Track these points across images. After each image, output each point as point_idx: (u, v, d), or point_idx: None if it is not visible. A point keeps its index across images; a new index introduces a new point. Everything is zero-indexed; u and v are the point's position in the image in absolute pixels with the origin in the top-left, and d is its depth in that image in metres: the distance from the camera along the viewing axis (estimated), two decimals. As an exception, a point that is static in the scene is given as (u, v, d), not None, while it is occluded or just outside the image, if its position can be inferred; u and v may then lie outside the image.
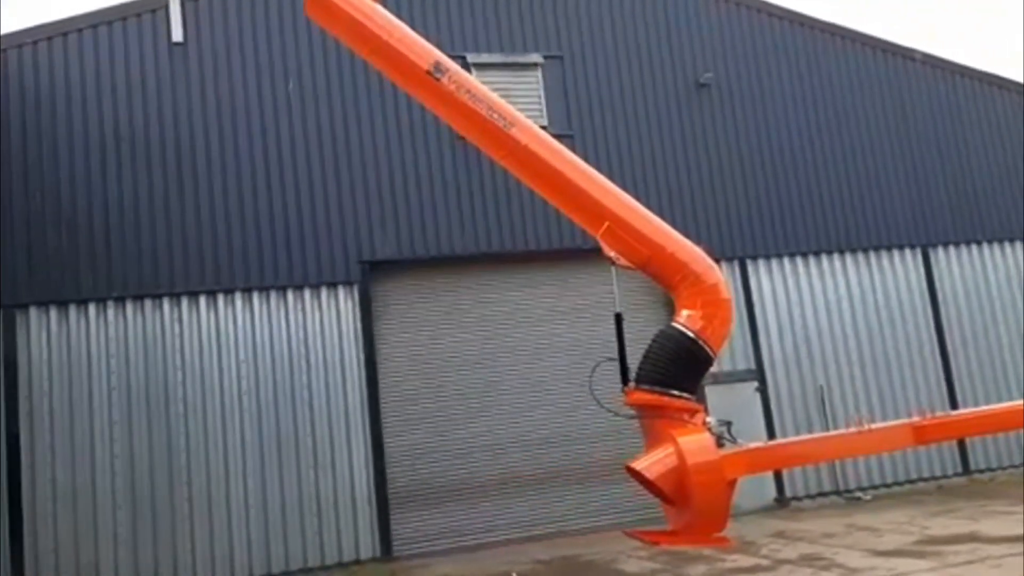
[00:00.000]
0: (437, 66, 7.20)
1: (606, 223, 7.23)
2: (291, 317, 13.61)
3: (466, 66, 14.80)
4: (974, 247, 17.23)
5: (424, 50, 7.31)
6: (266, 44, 14.35)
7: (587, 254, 13.73)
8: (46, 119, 13.19)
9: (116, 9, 13.67)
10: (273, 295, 13.58)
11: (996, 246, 17.37)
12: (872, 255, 16.62)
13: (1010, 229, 17.46)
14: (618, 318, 7.25)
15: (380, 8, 7.48)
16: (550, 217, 14.75)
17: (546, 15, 15.82)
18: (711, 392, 14.22)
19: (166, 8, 13.78)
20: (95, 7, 13.74)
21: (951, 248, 17.09)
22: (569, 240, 14.67)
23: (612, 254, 7.24)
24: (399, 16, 15.30)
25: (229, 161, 13.81)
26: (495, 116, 7.21)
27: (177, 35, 13.74)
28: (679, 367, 7.06)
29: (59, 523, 12.21)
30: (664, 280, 7.44)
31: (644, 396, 6.87)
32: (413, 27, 15.96)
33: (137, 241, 13.19)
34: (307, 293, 13.74)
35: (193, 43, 13.93)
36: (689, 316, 7.22)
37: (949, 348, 16.67)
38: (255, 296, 13.48)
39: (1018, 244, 17.48)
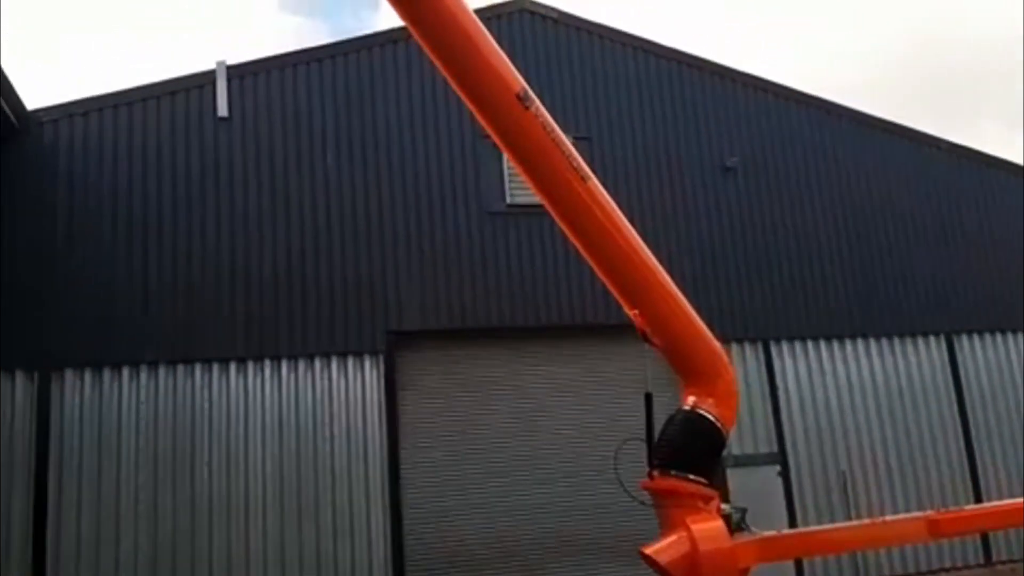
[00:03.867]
0: (525, 93, 6.48)
1: (646, 302, 7.23)
2: (317, 385, 13.82)
3: (497, 145, 15.24)
4: (999, 335, 17.22)
5: (513, 72, 6.50)
6: (307, 119, 14.84)
7: (612, 330, 14.01)
8: (92, 188, 13.68)
9: (164, 84, 14.25)
10: (301, 363, 13.83)
11: (1021, 335, 17.34)
12: (896, 341, 16.65)
13: (1035, 319, 17.47)
14: (648, 398, 7.24)
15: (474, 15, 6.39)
16: (573, 292, 15.02)
17: (576, 97, 16.25)
18: (732, 475, 14.20)
19: (213, 84, 14.37)
20: (145, 81, 14.37)
21: (975, 336, 17.10)
22: (592, 316, 14.90)
23: (648, 331, 7.27)
24: (434, 91, 15.88)
25: (266, 232, 14.20)
26: (575, 164, 6.65)
27: (223, 110, 14.28)
28: (699, 450, 7.14)
29: (81, 578, 12.37)
30: (686, 365, 7.51)
31: (662, 482, 6.95)
32: (447, 111, 16.48)
33: (173, 308, 13.54)
34: (333, 361, 13.97)
35: (238, 118, 14.47)
36: (708, 402, 7.32)
37: (973, 436, 16.56)
38: (283, 364, 13.75)
39: (1043, 334, 17.45)
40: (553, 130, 6.54)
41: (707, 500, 6.89)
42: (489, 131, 6.73)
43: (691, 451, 7.16)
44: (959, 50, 51.24)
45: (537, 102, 6.43)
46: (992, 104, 51.87)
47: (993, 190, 18.12)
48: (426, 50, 6.35)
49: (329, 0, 59.78)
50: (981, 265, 17.51)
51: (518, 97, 6.38)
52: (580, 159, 6.67)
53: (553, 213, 6.96)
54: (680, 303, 7.34)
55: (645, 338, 7.36)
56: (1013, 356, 17.22)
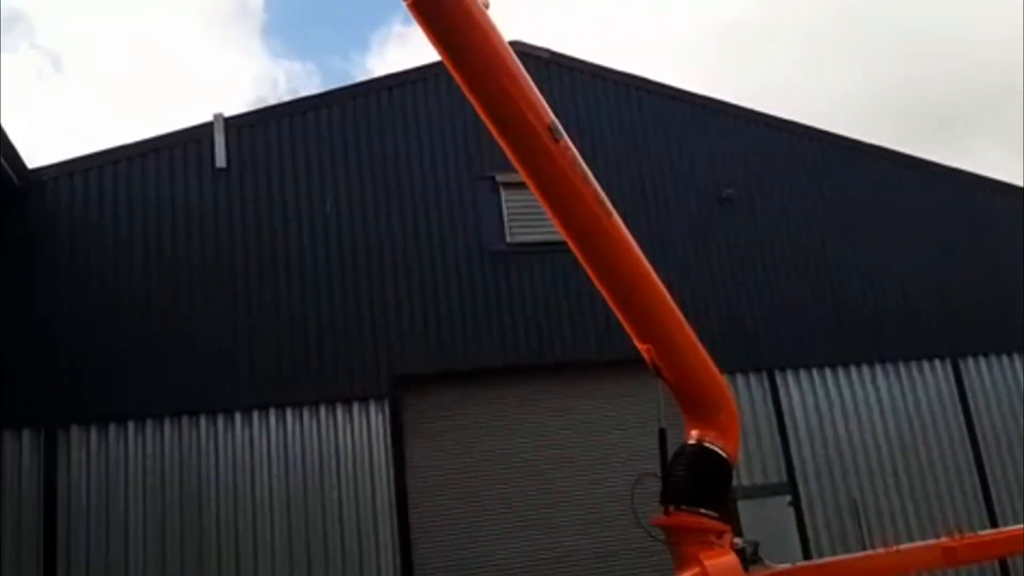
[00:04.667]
0: (555, 125, 6.49)
1: (660, 337, 7.22)
2: (323, 433, 13.76)
3: (495, 185, 15.36)
4: (1004, 357, 17.16)
5: (544, 104, 6.53)
6: (304, 166, 14.97)
7: (617, 366, 13.96)
8: (94, 243, 13.78)
9: (163, 138, 14.42)
10: (306, 411, 13.78)
11: (1028, 356, 17.30)
12: (902, 366, 16.58)
13: (1041, 339, 17.41)
14: (662, 434, 7.22)
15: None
16: (576, 328, 15.01)
17: (570, 135, 16.24)
18: (744, 507, 14.07)
19: (211, 136, 14.52)
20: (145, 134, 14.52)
21: (981, 359, 17.03)
22: (596, 352, 14.88)
23: (660, 366, 7.25)
24: (431, 134, 15.99)
25: (267, 279, 14.26)
26: (601, 199, 6.59)
27: (221, 161, 14.43)
28: (711, 485, 7.11)
29: (90, 640, 12.24)
30: (693, 399, 7.49)
31: (674, 518, 6.90)
32: (444, 153, 16.63)
33: (176, 360, 13.53)
34: (339, 408, 13.92)
35: (235, 168, 14.59)
36: (711, 435, 7.30)
37: (984, 459, 16.41)
38: (288, 412, 13.70)
39: (1050, 354, 17.37)
40: (580, 164, 6.54)
41: (720, 534, 6.87)
42: (516, 164, 6.69)
43: (701, 485, 7.14)
44: (960, 74, 51.62)
45: (566, 136, 6.40)
46: (993, 126, 52.11)
47: (993, 212, 18.14)
48: (459, 79, 6.30)
49: (319, 44, 60.44)
50: (984, 288, 17.45)
51: (549, 129, 6.36)
52: (605, 197, 6.61)
53: (575, 247, 6.93)
54: (691, 338, 7.35)
55: (657, 373, 7.33)
56: (1020, 377, 17.13)
